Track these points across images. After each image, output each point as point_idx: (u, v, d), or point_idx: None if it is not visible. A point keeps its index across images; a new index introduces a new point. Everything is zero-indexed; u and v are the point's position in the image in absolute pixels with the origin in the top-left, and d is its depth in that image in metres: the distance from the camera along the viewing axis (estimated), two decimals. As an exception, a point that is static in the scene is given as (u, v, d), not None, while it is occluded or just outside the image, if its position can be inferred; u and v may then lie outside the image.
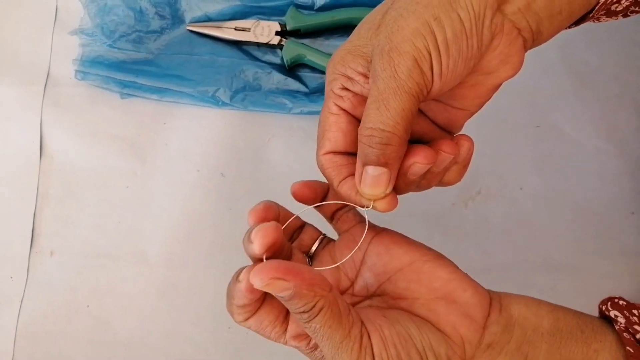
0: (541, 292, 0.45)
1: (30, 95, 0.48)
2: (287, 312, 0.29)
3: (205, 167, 0.47)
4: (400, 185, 0.29)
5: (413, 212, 0.46)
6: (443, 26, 0.25)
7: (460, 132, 0.31)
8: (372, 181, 0.27)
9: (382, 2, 0.29)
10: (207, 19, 0.49)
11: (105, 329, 0.45)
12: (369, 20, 0.28)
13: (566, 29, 0.31)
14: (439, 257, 0.31)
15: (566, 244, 0.46)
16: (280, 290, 0.25)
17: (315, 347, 0.29)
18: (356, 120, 0.29)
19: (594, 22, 0.32)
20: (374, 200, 0.29)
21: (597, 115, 0.49)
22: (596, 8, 0.29)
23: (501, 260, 0.46)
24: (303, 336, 0.29)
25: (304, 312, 0.25)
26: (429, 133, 0.31)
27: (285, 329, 0.29)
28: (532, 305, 0.30)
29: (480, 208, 0.47)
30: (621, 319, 0.29)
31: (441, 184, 0.32)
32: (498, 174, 0.48)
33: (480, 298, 0.29)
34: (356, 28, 0.29)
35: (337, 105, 0.29)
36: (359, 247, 0.31)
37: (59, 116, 0.48)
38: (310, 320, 0.25)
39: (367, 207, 0.29)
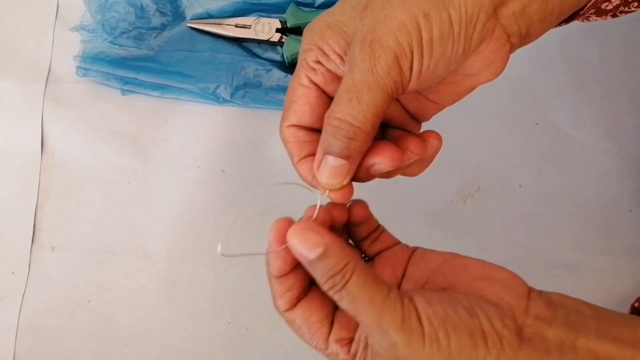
0: (539, 289, 0.46)
1: (32, 91, 0.48)
2: (334, 313, 0.28)
3: (205, 163, 0.48)
4: (359, 177, 0.29)
5: (412, 209, 0.47)
6: (431, 24, 0.24)
7: (432, 130, 0.30)
8: (330, 171, 0.27)
9: None
10: (208, 16, 0.50)
11: (106, 324, 0.45)
12: None
13: (554, 27, 0.30)
14: (468, 256, 0.30)
15: (565, 241, 0.47)
16: (313, 245, 0.24)
17: (355, 354, 0.27)
18: (326, 96, 0.28)
19: (582, 21, 0.31)
20: (329, 190, 0.28)
21: (596, 113, 0.49)
22: (587, 6, 0.29)
23: (500, 257, 0.46)
24: (346, 340, 0.27)
25: (335, 274, 0.24)
26: (398, 118, 0.30)
27: (330, 331, 0.28)
28: (568, 296, 0.28)
29: (479, 205, 0.47)
30: None
31: (402, 174, 0.31)
32: (497, 171, 0.48)
33: (516, 277, 0.28)
34: (341, 0, 0.27)
35: (308, 77, 0.28)
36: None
37: (60, 112, 0.48)
38: (344, 285, 0.24)
39: (322, 195, 0.28)
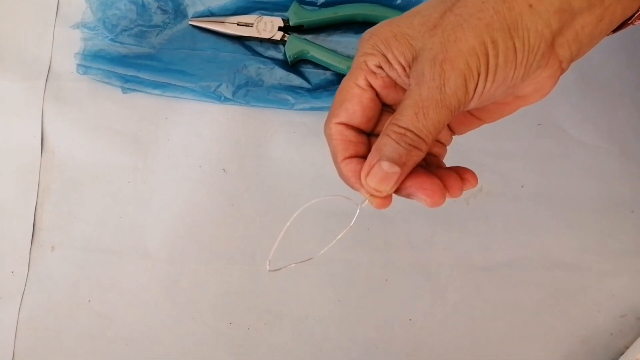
0: (541, 290, 0.46)
1: (32, 89, 0.48)
2: None
3: (207, 162, 0.47)
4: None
5: (415, 209, 0.46)
6: (498, 51, 0.25)
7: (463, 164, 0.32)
8: (382, 176, 0.27)
9: None
10: (210, 14, 0.49)
11: (106, 324, 0.45)
12: (425, 13, 0.28)
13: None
14: None
15: (566, 242, 0.47)
16: None
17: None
18: (379, 100, 0.29)
19: (632, 25, 0.31)
20: (372, 195, 0.28)
21: (598, 114, 0.49)
22: (635, 15, 0.29)
23: (502, 258, 0.46)
24: None
25: None
26: None
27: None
28: None
29: (482, 205, 0.47)
30: None
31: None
32: (499, 172, 0.48)
33: None
34: (408, 14, 0.28)
35: (367, 80, 0.29)
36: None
37: (60, 110, 0.48)
38: None
39: (363, 201, 0.29)
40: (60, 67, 0.49)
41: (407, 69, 0.28)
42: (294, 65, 0.49)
